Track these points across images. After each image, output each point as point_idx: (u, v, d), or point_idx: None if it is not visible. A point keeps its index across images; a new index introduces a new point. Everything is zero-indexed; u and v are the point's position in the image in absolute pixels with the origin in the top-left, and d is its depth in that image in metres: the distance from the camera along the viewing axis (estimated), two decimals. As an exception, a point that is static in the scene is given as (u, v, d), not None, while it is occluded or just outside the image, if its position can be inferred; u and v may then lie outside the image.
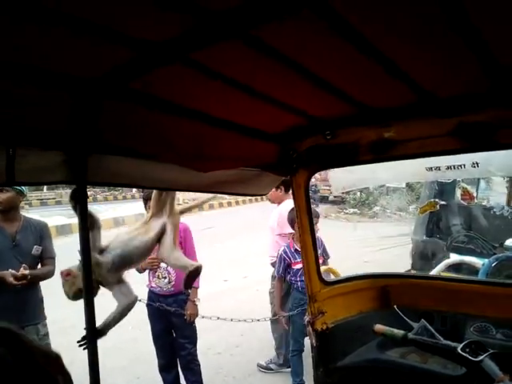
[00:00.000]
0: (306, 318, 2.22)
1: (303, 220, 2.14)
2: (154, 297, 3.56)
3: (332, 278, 2.56)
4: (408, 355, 2.13)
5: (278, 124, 1.79)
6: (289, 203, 3.83)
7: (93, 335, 1.72)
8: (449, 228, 5.50)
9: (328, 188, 19.97)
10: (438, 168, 3.23)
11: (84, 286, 1.66)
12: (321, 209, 17.54)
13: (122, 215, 15.62)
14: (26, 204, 18.56)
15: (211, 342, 4.60)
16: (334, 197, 20.66)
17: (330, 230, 12.07)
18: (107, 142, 1.44)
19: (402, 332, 2.14)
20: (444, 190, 5.44)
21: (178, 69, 1.16)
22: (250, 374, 4.26)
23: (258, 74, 1.25)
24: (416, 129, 1.76)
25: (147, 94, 1.33)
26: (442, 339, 2.07)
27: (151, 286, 3.59)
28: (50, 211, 15.71)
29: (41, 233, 3.24)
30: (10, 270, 2.92)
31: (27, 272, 2.96)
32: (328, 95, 1.44)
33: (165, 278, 3.51)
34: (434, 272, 3.79)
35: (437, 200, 5.24)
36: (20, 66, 1.07)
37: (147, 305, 3.60)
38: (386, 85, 1.38)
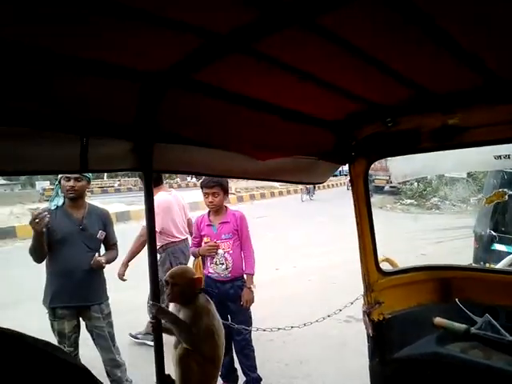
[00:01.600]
0: (363, 308, 2.20)
1: (361, 209, 2.11)
2: (211, 283, 3.64)
3: (390, 268, 2.49)
4: (470, 351, 2.05)
5: (336, 111, 1.78)
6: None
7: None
8: (517, 220, 5.17)
9: (384, 178, 19.46)
10: (508, 156, 3.04)
11: (149, 267, 1.74)
12: (376, 199, 17.14)
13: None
14: (88, 191, 19.72)
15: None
16: (390, 187, 20.10)
17: (386, 221, 11.81)
18: (171, 131, 1.50)
19: (464, 326, 2.07)
20: (513, 179, 5.10)
21: (240, 58, 1.19)
22: (302, 362, 4.30)
23: (317, 61, 1.25)
24: (483, 115, 1.67)
25: (209, 85, 1.37)
26: (508, 335, 1.98)
27: (209, 272, 3.65)
28: (110, 198, 16.52)
29: (104, 219, 3.46)
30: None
31: (103, 260, 3.22)
32: (389, 80, 1.41)
33: (222, 264, 3.58)
34: (499, 266, 3.59)
35: (505, 190, 4.92)
36: (91, 62, 1.14)
37: (205, 291, 3.69)
38: (450, 68, 1.32)
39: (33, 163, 1.34)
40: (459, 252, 6.77)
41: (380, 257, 2.26)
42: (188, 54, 1.16)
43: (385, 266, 2.40)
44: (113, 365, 3.32)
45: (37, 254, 3.16)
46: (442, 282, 2.32)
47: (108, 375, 3.32)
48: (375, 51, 1.19)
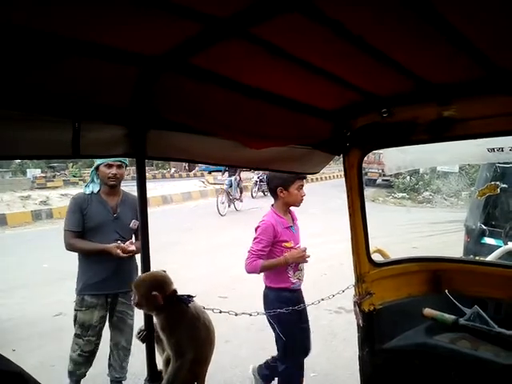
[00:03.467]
0: (354, 299, 2.21)
1: (354, 200, 2.11)
2: (292, 296, 3.08)
3: (381, 259, 2.51)
4: (458, 341, 2.08)
5: (332, 100, 1.77)
6: None
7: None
8: (508, 214, 5.22)
9: (376, 171, 19.58)
10: (501, 149, 3.04)
11: (142, 258, 1.73)
12: (369, 192, 17.18)
13: (170, 193, 16.11)
14: (80, 180, 19.58)
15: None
16: (383, 180, 20.21)
17: (378, 214, 11.86)
18: (166, 117, 1.48)
19: (452, 317, 2.10)
20: (506, 172, 5.15)
21: (237, 44, 1.17)
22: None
23: (315, 48, 1.24)
24: (480, 106, 1.66)
25: (205, 70, 1.35)
26: (496, 327, 2.01)
27: (291, 284, 3.06)
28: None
29: (137, 207, 3.28)
30: (118, 242, 3.05)
31: (133, 248, 3.07)
32: (386, 70, 1.40)
33: (302, 269, 3.16)
34: (489, 259, 3.64)
35: (498, 183, 4.96)
36: (85, 44, 1.12)
37: (285, 313, 2.97)
38: (449, 59, 1.32)
39: (24, 147, 1.31)
40: (450, 246, 6.84)
41: (371, 248, 2.27)
42: (185, 38, 1.14)
43: (376, 258, 2.42)
44: (122, 351, 3.23)
45: (83, 254, 3.14)
46: (433, 273, 2.35)
47: (109, 358, 3.25)
48: (373, 40, 1.18)
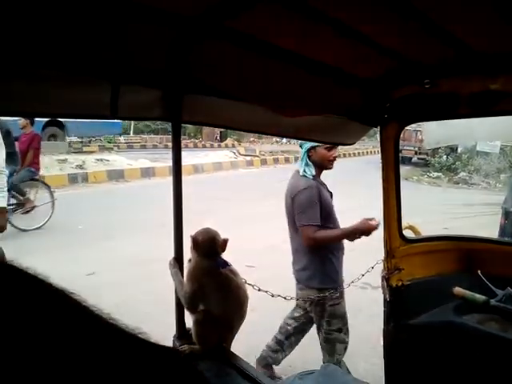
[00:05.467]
0: (382, 273, 2.20)
1: (389, 175, 2.07)
2: None
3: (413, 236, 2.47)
4: (486, 322, 2.05)
5: (371, 68, 1.71)
6: None
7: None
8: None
9: (412, 149, 18.97)
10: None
11: (174, 219, 1.77)
12: (403, 170, 16.71)
13: (201, 162, 16.25)
14: (114, 146, 19.99)
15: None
16: (418, 158, 19.61)
17: (411, 192, 11.59)
18: (202, 81, 1.48)
19: (483, 297, 2.06)
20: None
21: (275, 7, 1.14)
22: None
23: (355, 12, 1.18)
24: None
25: (242, 33, 1.33)
26: (529, 309, 1.96)
27: None
28: (136, 154, 16.74)
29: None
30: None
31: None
32: (429, 37, 1.33)
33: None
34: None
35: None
36: (123, 4, 1.11)
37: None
38: (499, 27, 1.24)
39: (64, 107, 1.35)
40: (484, 228, 6.65)
41: (403, 223, 2.23)
42: (222, 0, 1.12)
43: (407, 234, 2.38)
44: None
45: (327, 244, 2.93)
46: (465, 252, 2.29)
47: None
48: (417, 3, 1.12)
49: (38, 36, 1.09)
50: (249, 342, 3.80)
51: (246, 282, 2.54)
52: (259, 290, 2.80)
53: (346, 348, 3.01)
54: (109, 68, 1.30)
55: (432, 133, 2.42)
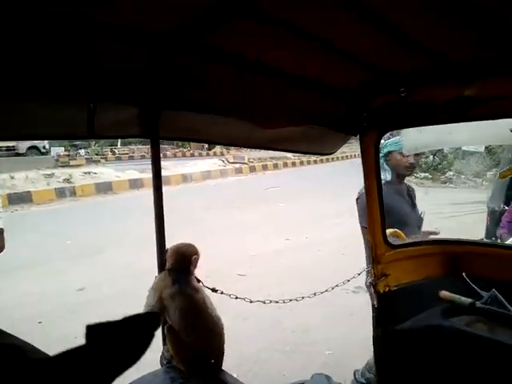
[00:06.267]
0: (369, 280, 2.21)
1: (371, 182, 2.09)
2: None
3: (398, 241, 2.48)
4: (474, 324, 2.06)
5: (349, 79, 1.73)
6: None
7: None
8: (531, 196, 5.07)
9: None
10: (526, 130, 2.92)
11: (156, 232, 1.76)
12: (389, 172, 16.91)
13: (189, 172, 16.23)
14: (102, 158, 19.91)
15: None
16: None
17: (398, 194, 11.67)
18: (179, 97, 1.48)
19: (469, 300, 2.07)
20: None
21: (251, 22, 1.15)
22: (308, 330, 4.38)
23: (331, 25, 1.20)
24: (502, 86, 1.59)
25: (218, 48, 1.34)
26: (513, 310, 1.98)
27: None
28: (123, 166, 16.66)
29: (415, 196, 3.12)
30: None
31: None
32: (404, 46, 1.35)
33: None
34: (509, 242, 3.56)
35: (521, 164, 4.81)
36: (99, 23, 1.11)
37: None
38: (471, 35, 1.26)
39: (41, 128, 1.34)
40: (472, 227, 6.72)
41: (388, 230, 2.25)
42: (197, 16, 1.13)
43: (392, 240, 2.39)
44: None
45: None
46: (449, 256, 2.31)
47: None
48: (391, 16, 1.13)
49: (10, 57, 1.09)
50: (242, 352, 3.79)
51: (236, 298, 2.56)
52: (251, 301, 2.77)
53: None
54: (84, 87, 1.30)
55: (410, 139, 2.46)
